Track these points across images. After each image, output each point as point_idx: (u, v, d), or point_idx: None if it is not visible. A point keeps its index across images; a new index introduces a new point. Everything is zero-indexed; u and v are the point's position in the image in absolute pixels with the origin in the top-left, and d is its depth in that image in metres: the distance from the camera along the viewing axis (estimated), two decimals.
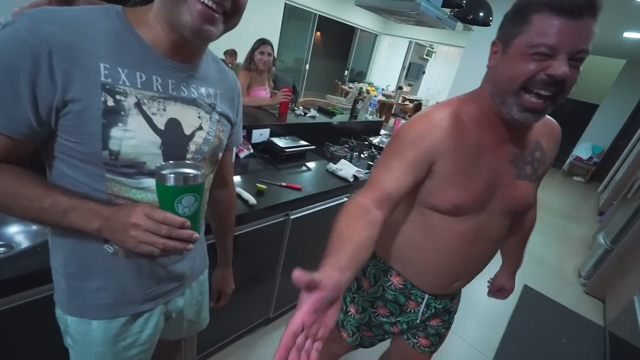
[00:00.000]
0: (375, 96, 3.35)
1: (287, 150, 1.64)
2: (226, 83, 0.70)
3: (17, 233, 0.99)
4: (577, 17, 0.53)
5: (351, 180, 1.60)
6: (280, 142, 1.68)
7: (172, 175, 0.50)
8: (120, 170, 0.54)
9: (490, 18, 2.37)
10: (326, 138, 2.08)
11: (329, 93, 5.95)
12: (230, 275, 0.97)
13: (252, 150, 1.63)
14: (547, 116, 0.76)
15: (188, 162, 0.55)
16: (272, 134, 1.75)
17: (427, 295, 0.87)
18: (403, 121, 2.73)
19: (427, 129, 0.68)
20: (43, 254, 0.78)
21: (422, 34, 7.57)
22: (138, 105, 0.53)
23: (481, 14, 2.36)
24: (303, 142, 1.75)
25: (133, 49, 0.53)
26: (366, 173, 1.74)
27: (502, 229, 0.80)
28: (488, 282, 1.14)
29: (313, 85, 7.50)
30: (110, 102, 0.50)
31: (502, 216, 0.77)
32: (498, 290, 1.09)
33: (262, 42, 2.32)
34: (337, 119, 2.31)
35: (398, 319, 0.91)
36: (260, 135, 1.70)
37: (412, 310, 0.90)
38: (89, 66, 0.49)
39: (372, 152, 2.14)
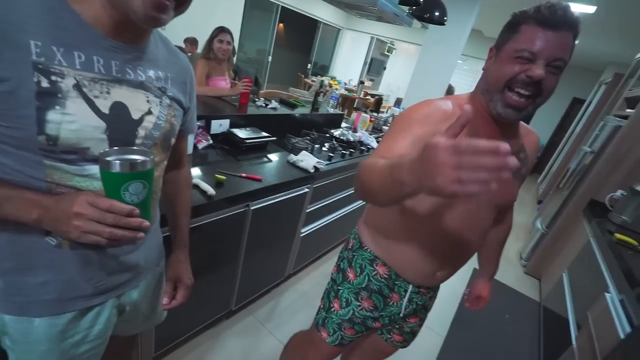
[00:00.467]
0: (336, 89, 3.39)
1: (248, 141, 1.62)
2: (177, 66, 0.68)
3: None
4: (556, 30, 0.63)
5: (312, 171, 1.63)
6: (241, 133, 1.66)
7: (118, 161, 0.48)
8: (60, 156, 0.51)
9: (445, 18, 2.49)
10: (287, 130, 2.08)
11: (292, 86, 5.91)
12: (187, 262, 0.85)
13: (211, 141, 1.59)
14: (531, 128, 0.86)
15: (135, 148, 0.54)
16: (232, 125, 1.72)
17: (410, 287, 0.90)
18: (364, 115, 2.81)
19: (434, 110, 0.74)
20: None
21: (383, 30, 7.75)
22: (77, 87, 0.50)
23: (436, 14, 2.47)
24: (264, 134, 1.74)
25: (69, 26, 0.49)
26: (327, 164, 1.77)
27: (487, 221, 0.84)
28: (465, 292, 1.17)
29: (276, 78, 7.40)
30: (45, 83, 0.47)
31: (489, 209, 0.83)
32: (475, 298, 1.11)
33: (221, 30, 2.25)
34: (298, 111, 2.32)
35: (381, 313, 0.93)
36: (219, 126, 1.66)
37: (395, 304, 0.92)
38: (18, 43, 0.45)
39: (333, 144, 2.17)
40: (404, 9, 2.02)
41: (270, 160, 1.66)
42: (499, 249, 1.07)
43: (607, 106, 3.57)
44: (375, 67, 8.59)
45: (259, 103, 2.13)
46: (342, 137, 2.29)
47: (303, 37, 8.19)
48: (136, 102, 0.58)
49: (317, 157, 1.73)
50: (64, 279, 0.60)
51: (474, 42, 5.41)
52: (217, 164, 1.44)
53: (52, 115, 0.48)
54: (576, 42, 0.67)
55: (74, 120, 0.50)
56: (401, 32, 7.49)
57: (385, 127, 3.07)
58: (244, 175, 1.37)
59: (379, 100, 4.55)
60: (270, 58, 6.93)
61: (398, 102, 4.91)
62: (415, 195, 0.48)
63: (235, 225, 1.35)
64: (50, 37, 0.48)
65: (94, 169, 0.54)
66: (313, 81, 6.34)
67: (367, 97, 6.53)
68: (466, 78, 7.12)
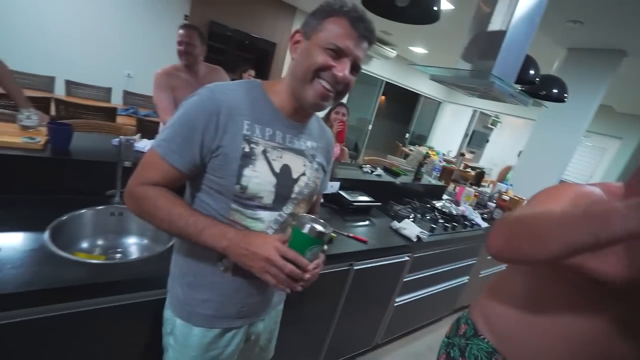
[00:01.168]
0: (439, 161, 3.39)
1: (355, 203, 1.75)
2: (324, 139, 0.86)
3: (130, 245, 1.20)
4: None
5: (414, 240, 1.63)
6: (348, 195, 1.81)
7: (313, 226, 0.64)
8: (244, 201, 0.69)
9: (565, 95, 2.38)
10: (390, 197, 2.16)
11: (388, 153, 6.13)
12: None
13: (322, 200, 1.77)
14: None
15: (321, 220, 0.68)
16: (341, 187, 1.89)
17: None
18: (469, 189, 2.72)
19: (587, 190, 0.67)
20: (148, 265, 0.94)
21: (488, 104, 7.62)
22: (264, 152, 0.69)
23: (555, 91, 2.39)
24: (369, 198, 1.85)
25: (266, 110, 0.71)
26: (429, 235, 1.75)
27: None
28: None
29: (374, 145, 7.79)
30: (247, 149, 0.67)
31: None
32: None
33: (340, 104, 2.60)
34: (400, 179, 2.40)
35: None
36: (331, 187, 1.84)
37: None
38: (238, 122, 0.67)
39: (435, 215, 2.15)
40: (517, 87, 2.02)
41: (373, 224, 1.73)
42: None
43: None
44: (476, 139, 8.32)
45: (365, 169, 2.30)
46: (444, 209, 2.24)
47: (403, 108, 8.60)
48: (296, 165, 0.75)
49: (419, 227, 1.73)
50: (220, 299, 0.75)
51: (602, 117, 4.85)
52: (327, 222, 1.58)
53: (247, 171, 0.67)
54: None
55: (258, 176, 0.68)
56: (508, 106, 7.23)
57: (490, 204, 2.88)
58: (351, 235, 1.47)
59: (480, 174, 4.32)
60: (370, 127, 7.41)
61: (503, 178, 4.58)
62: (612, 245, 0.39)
63: (337, 283, 1.42)
64: (254, 118, 0.69)
65: (262, 214, 0.71)
66: (411, 150, 6.46)
67: (467, 170, 6.27)
68: (589, 156, 6.27)
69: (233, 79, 2.12)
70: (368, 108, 7.41)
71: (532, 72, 2.24)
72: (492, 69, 1.61)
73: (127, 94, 3.73)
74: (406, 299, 1.86)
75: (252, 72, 3.18)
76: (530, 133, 3.37)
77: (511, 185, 3.34)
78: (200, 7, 4.39)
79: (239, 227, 0.70)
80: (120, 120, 2.78)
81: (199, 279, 0.74)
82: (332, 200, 1.84)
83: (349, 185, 1.97)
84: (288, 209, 0.74)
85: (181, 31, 1.74)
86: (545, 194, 0.72)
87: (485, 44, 1.73)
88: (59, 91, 3.40)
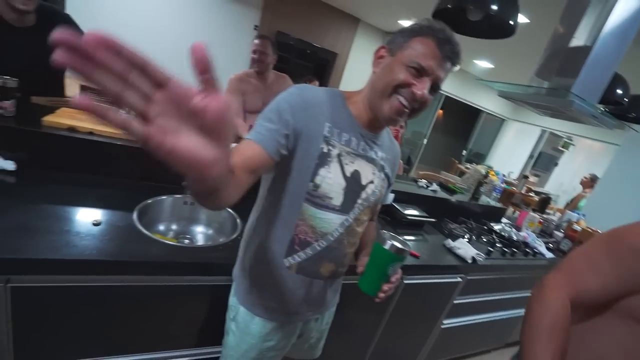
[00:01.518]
0: (499, 182, 3.19)
1: (409, 217, 1.72)
2: (393, 151, 0.87)
3: (197, 233, 1.31)
4: None
5: (469, 261, 1.56)
6: (402, 208, 1.78)
7: (394, 243, 0.68)
8: (315, 200, 0.73)
9: None
10: (444, 214, 2.09)
11: (442, 169, 5.90)
12: None
13: None
14: None
15: (400, 238, 0.72)
16: (395, 199, 1.87)
17: None
18: (533, 214, 2.52)
19: None
20: (215, 252, 1.02)
21: (560, 123, 6.97)
22: (339, 155, 0.73)
23: None
24: (424, 213, 1.81)
25: (344, 117, 0.74)
26: (485, 258, 1.66)
27: None
28: None
29: (428, 160, 7.55)
30: (325, 149, 0.71)
31: None
32: None
33: None
34: (456, 197, 2.31)
35: None
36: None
37: None
38: (320, 122, 0.71)
39: (493, 238, 2.02)
40: (599, 107, 1.84)
41: (426, 240, 1.69)
42: None
43: None
44: (543, 162, 7.65)
45: (420, 183, 2.25)
46: (503, 233, 2.10)
47: (462, 124, 8.23)
48: (366, 172, 0.78)
49: (475, 248, 1.65)
50: (282, 294, 0.79)
51: None
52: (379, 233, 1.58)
53: (322, 171, 0.71)
54: None
55: (331, 177, 0.72)
56: (585, 127, 6.54)
57: (557, 233, 2.63)
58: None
59: (545, 200, 3.96)
60: (425, 141, 7.20)
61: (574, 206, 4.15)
62: None
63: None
64: (334, 122, 0.73)
65: (329, 215, 0.74)
66: (467, 168, 6.14)
67: (530, 194, 5.78)
68: None
69: None
70: (424, 121, 7.21)
71: (619, 91, 2.04)
72: (572, 88, 1.50)
73: None
74: (454, 323, 1.77)
75: (316, 83, 3.29)
76: (611, 159, 3.02)
77: (584, 215, 3.01)
78: (269, 17, 4.68)
79: (306, 226, 0.74)
80: None
81: (265, 273, 0.79)
82: (385, 212, 1.83)
83: (403, 198, 1.94)
84: (354, 213, 0.77)
85: (256, 41, 1.88)
86: (601, 245, 0.67)
87: (565, 61, 1.61)
88: None
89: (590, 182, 4.80)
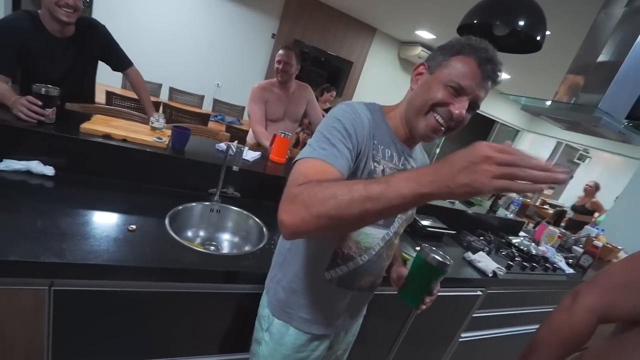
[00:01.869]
0: (517, 195, 3.15)
1: (428, 228, 1.72)
2: (424, 164, 0.88)
3: (223, 240, 1.33)
4: None
5: (490, 275, 1.54)
6: (421, 219, 1.78)
7: (436, 257, 0.69)
8: None
9: None
10: (462, 226, 2.07)
11: None
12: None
13: None
14: None
15: (440, 252, 0.73)
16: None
17: None
18: (551, 228, 2.48)
19: None
20: (242, 261, 1.03)
21: (577, 136, 6.86)
22: (383, 171, 0.73)
23: None
24: (443, 225, 1.80)
25: (387, 133, 0.76)
26: (506, 272, 1.64)
27: None
28: None
29: None
30: (372, 166, 0.71)
31: None
32: None
33: None
34: (474, 209, 2.29)
35: None
36: None
37: None
38: (369, 139, 0.71)
39: (512, 252, 2.00)
40: (623, 121, 1.82)
41: (445, 252, 1.68)
42: None
43: None
44: None
45: None
46: (522, 247, 2.08)
47: (476, 134, 8.13)
48: None
49: (495, 261, 1.63)
50: (318, 306, 0.80)
51: None
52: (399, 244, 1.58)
53: None
54: None
55: None
56: (601, 139, 6.42)
57: (577, 248, 2.58)
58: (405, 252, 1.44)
59: (560, 213, 3.89)
60: (438, 150, 7.17)
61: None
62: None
63: (405, 306, 1.40)
64: (378, 138, 0.73)
65: (373, 230, 0.75)
66: None
67: (545, 207, 5.70)
68: None
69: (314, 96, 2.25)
70: None
71: None
72: (600, 103, 1.49)
73: (216, 102, 4.15)
74: (473, 336, 1.75)
75: (333, 94, 3.31)
76: (633, 173, 2.96)
77: (603, 230, 2.95)
78: (288, 26, 4.75)
79: (350, 241, 0.75)
80: (210, 125, 3.11)
81: (304, 286, 0.79)
82: None
83: (421, 209, 1.94)
84: (394, 227, 0.78)
85: (281, 51, 1.92)
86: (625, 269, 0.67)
87: (592, 76, 1.60)
88: (162, 96, 3.93)
89: (593, 190, 4.76)
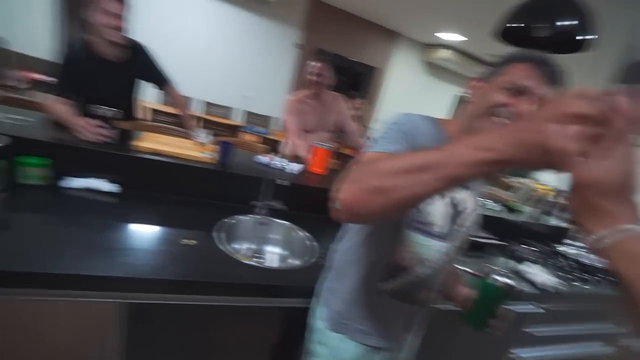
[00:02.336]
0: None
1: (475, 239, 1.66)
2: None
3: (270, 253, 1.34)
4: None
5: (547, 289, 1.46)
6: None
7: (502, 279, 0.68)
8: (416, 225, 0.72)
9: None
10: (504, 234, 1.98)
11: (486, 184, 5.65)
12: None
13: None
14: None
15: (502, 271, 0.71)
16: None
17: None
18: None
19: None
20: (292, 275, 1.04)
21: None
22: None
23: None
24: (489, 234, 1.74)
25: (441, 140, 0.73)
26: (565, 286, 1.55)
27: None
28: None
29: None
30: None
31: None
32: None
33: None
34: (515, 216, 2.20)
35: None
36: None
37: None
38: (424, 147, 0.69)
39: (561, 261, 1.89)
40: None
41: (492, 264, 1.61)
42: None
43: None
44: None
45: (487, 205, 2.17)
46: (577, 258, 1.95)
47: None
48: (466, 200, 0.76)
49: (550, 275, 1.55)
50: (374, 318, 0.79)
51: None
52: None
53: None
54: None
55: (432, 202, 0.71)
56: None
57: None
58: (471, 271, 1.39)
59: None
60: None
61: None
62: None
63: (450, 321, 1.35)
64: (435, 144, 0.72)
65: (433, 242, 0.73)
66: (519, 183, 5.84)
67: None
68: None
69: None
70: None
71: None
72: None
73: (248, 114, 4.24)
74: (525, 354, 1.66)
75: (358, 103, 3.31)
76: None
77: None
78: (311, 36, 4.82)
79: (410, 254, 0.74)
80: (239, 136, 3.19)
81: (360, 297, 0.79)
82: None
83: None
84: (455, 241, 0.76)
85: (314, 63, 1.94)
86: None
87: (635, 76, 1.50)
88: (192, 108, 4.06)
89: None
